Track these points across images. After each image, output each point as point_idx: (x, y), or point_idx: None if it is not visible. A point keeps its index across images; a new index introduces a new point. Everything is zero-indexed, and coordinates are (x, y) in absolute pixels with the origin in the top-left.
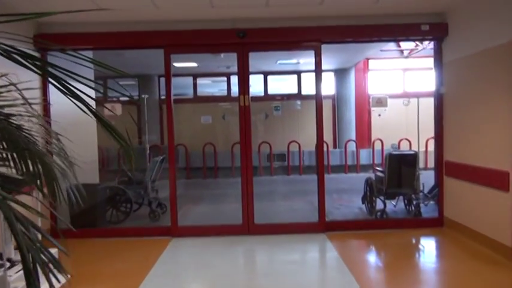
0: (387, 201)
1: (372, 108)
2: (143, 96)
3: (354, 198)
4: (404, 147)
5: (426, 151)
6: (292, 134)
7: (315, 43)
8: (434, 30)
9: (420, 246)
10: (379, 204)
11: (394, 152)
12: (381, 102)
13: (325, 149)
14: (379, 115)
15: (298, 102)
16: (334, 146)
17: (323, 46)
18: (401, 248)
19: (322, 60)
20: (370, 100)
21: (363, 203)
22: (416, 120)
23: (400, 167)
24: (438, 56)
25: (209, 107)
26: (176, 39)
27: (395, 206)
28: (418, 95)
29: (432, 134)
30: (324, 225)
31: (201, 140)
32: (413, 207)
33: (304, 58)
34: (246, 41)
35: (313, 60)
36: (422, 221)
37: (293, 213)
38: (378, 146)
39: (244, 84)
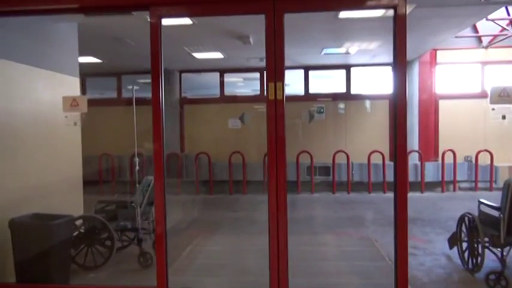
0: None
1: (492, 106)
2: (130, 87)
3: (429, 234)
4: (484, 161)
5: None
6: (338, 142)
7: None
8: None
9: None
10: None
11: None
12: (507, 96)
13: (379, 161)
14: (504, 117)
15: (342, 106)
16: (392, 158)
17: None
18: None
19: (377, 50)
20: (490, 93)
21: (452, 247)
22: (499, 127)
23: None
24: None
25: (239, 109)
26: None
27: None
28: None
29: None
30: None
31: (227, 147)
32: None
33: (360, 42)
34: None
35: (369, 46)
36: None
37: (347, 262)
38: (448, 159)
39: (276, 66)
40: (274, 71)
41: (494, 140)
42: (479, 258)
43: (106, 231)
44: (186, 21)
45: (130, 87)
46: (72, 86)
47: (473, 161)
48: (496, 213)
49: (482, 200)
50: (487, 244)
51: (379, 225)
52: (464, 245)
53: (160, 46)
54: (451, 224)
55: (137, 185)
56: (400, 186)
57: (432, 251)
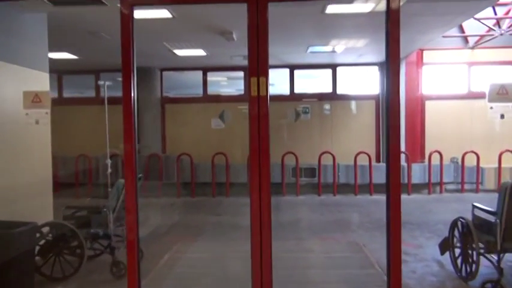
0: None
1: (490, 105)
2: (100, 82)
3: (419, 238)
4: (470, 162)
5: (499, 167)
6: (324, 143)
7: None
8: None
9: None
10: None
11: None
12: (506, 93)
13: (366, 162)
14: (502, 116)
15: (327, 107)
16: (378, 160)
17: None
18: None
19: (364, 49)
20: (488, 91)
21: (443, 253)
22: (485, 128)
23: None
24: None
25: (222, 109)
26: None
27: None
28: (485, 96)
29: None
30: None
31: (210, 148)
32: None
33: (347, 39)
34: None
35: (356, 44)
36: None
37: (335, 270)
38: (434, 160)
39: (258, 60)
40: (257, 65)
41: (480, 141)
42: (473, 266)
43: (75, 239)
44: (165, 14)
45: (101, 82)
46: (40, 81)
47: (460, 163)
48: (490, 218)
49: (476, 204)
50: (481, 251)
51: (367, 229)
52: (457, 251)
53: (132, 39)
54: (441, 227)
55: (109, 189)
56: (393, 189)
57: (423, 256)
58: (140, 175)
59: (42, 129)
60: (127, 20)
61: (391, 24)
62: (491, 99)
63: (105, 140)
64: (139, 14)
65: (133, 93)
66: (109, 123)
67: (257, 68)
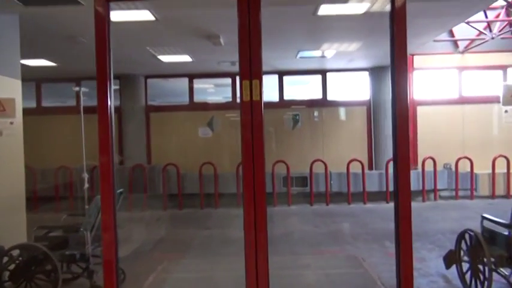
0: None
1: (505, 108)
2: (76, 89)
3: (420, 250)
4: (464, 168)
5: (493, 173)
6: (315, 151)
7: None
8: None
9: None
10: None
11: None
12: None
13: (358, 170)
14: None
15: (316, 113)
16: (371, 167)
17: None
18: None
19: (354, 54)
20: (502, 93)
21: (448, 267)
22: (478, 133)
23: None
24: None
25: (211, 115)
26: None
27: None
28: (476, 101)
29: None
30: None
31: (198, 158)
32: None
33: (339, 43)
34: None
35: (348, 48)
36: None
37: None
38: (427, 166)
39: (251, 61)
40: (250, 66)
41: (473, 146)
42: (485, 282)
43: (48, 262)
44: (148, 16)
45: (77, 88)
46: (11, 89)
47: (453, 169)
48: (501, 230)
49: (486, 215)
50: (493, 266)
51: (364, 241)
52: (465, 265)
53: (108, 41)
54: (441, 237)
55: (86, 206)
56: (403, 199)
57: (427, 270)
58: (121, 190)
59: (10, 140)
60: (102, 19)
61: (397, 23)
62: (506, 102)
63: (91, 150)
64: (120, 16)
65: (110, 101)
66: (91, 133)
67: (249, 69)
